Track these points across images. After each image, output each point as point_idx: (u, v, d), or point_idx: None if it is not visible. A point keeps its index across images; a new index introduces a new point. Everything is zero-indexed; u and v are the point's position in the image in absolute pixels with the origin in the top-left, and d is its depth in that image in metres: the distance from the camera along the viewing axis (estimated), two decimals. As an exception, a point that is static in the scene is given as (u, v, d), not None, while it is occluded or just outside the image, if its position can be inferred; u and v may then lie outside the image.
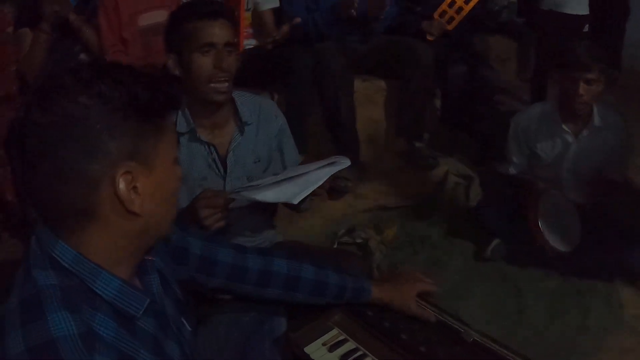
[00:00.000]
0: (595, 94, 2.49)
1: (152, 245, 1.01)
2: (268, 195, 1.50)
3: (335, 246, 2.85)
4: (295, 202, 1.49)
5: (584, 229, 2.52)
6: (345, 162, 1.62)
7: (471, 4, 3.42)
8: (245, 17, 3.12)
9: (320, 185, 1.57)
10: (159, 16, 2.94)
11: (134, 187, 0.89)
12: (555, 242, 2.52)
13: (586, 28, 3.88)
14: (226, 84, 1.72)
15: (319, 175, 1.55)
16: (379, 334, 1.38)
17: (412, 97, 3.22)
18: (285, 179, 1.54)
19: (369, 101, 3.39)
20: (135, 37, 2.94)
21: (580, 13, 3.77)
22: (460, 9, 3.42)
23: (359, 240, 2.89)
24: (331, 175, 1.58)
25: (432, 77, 3.25)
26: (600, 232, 2.52)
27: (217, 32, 1.70)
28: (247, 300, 1.40)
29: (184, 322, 1.09)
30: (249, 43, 3.23)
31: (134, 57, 2.92)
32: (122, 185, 0.87)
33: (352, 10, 3.08)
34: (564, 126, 2.63)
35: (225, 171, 1.78)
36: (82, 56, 2.93)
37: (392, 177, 3.36)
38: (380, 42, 3.35)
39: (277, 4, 3.23)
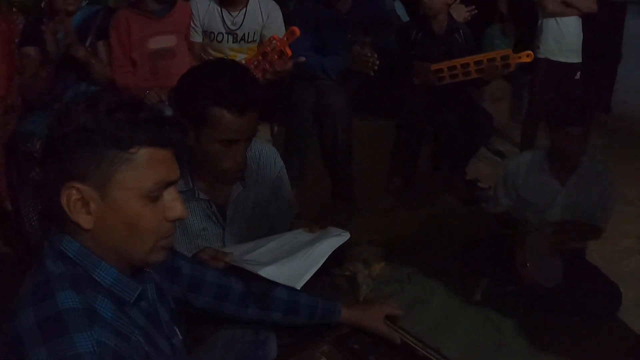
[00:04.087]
0: (584, 142, 2.58)
1: (141, 267, 1.10)
2: (270, 273, 1.47)
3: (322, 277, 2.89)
4: (299, 287, 1.45)
5: (563, 270, 2.59)
6: (345, 236, 1.62)
7: (469, 77, 3.28)
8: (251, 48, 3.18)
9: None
10: (169, 41, 3.04)
11: (86, 204, 0.98)
12: (540, 280, 2.56)
13: (578, 75, 4.00)
14: (241, 168, 1.68)
15: (320, 253, 1.54)
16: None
17: (407, 138, 3.28)
18: (286, 257, 1.53)
19: (365, 139, 3.45)
20: (143, 60, 2.99)
21: (573, 61, 3.91)
22: (456, 76, 3.30)
23: (346, 273, 2.89)
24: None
25: (426, 120, 3.29)
26: (576, 274, 2.59)
27: (245, 128, 1.60)
28: (238, 324, 1.48)
29: (177, 330, 1.19)
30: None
31: (141, 79, 2.98)
32: (65, 198, 0.97)
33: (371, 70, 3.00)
34: (551, 174, 2.69)
35: (225, 221, 1.78)
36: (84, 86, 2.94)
37: (383, 214, 3.43)
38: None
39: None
